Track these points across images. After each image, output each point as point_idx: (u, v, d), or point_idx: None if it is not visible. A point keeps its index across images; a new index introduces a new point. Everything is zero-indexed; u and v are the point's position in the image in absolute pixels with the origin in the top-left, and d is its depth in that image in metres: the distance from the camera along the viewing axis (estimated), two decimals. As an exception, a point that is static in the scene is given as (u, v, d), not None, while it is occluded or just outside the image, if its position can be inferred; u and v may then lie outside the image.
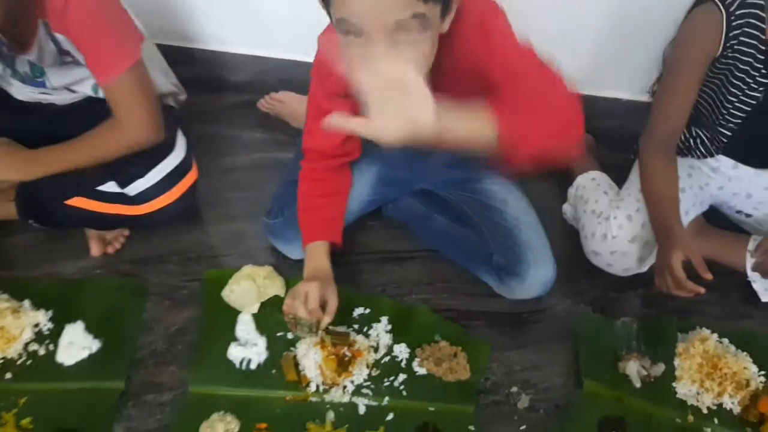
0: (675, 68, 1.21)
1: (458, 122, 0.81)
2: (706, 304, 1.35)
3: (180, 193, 1.33)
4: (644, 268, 1.33)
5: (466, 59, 1.02)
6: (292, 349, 1.23)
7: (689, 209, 1.35)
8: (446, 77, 1.02)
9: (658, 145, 1.25)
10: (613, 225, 1.30)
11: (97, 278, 1.35)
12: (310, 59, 1.62)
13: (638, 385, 1.21)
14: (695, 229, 1.39)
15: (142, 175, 1.29)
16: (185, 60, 1.74)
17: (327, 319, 1.18)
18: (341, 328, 1.25)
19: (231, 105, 1.77)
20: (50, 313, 1.27)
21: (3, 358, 1.20)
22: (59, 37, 1.17)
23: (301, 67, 1.79)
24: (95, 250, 1.37)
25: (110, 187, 1.30)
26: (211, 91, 1.76)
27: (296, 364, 1.21)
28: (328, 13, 0.91)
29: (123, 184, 1.29)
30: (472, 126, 0.82)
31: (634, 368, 1.22)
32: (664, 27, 1.30)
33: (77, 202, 1.30)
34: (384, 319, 1.28)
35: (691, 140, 1.34)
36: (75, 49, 1.19)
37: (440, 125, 0.76)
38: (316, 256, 1.26)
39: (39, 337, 1.23)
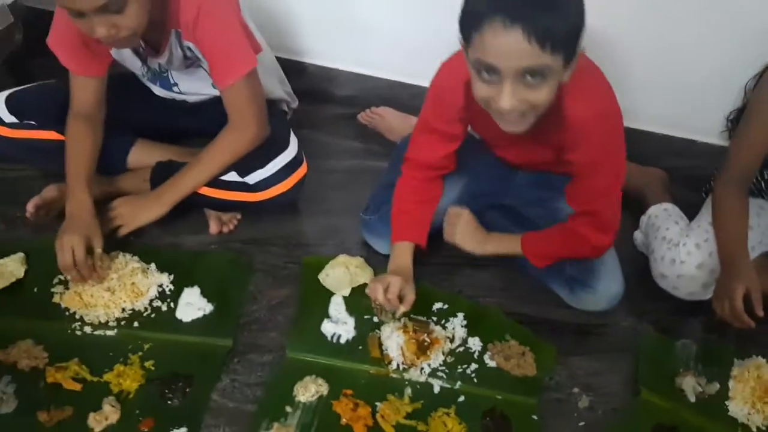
0: (753, 112, 1.32)
1: (497, 249, 1.46)
2: (765, 336, 1.43)
3: (292, 184, 1.51)
4: (708, 295, 1.42)
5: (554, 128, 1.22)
6: (376, 331, 1.38)
7: (755, 246, 1.44)
8: (543, 124, 1.18)
9: (732, 183, 1.35)
10: (682, 251, 1.41)
11: (212, 252, 1.54)
12: (409, 81, 1.82)
13: (693, 399, 1.30)
14: (759, 266, 1.47)
15: (261, 167, 1.48)
16: (298, 73, 1.95)
17: (403, 308, 1.33)
18: (422, 318, 1.40)
19: (334, 116, 1.96)
20: (172, 276, 1.46)
21: (132, 310, 1.39)
22: (188, 44, 1.38)
23: (399, 88, 1.97)
24: (213, 228, 1.57)
25: (232, 176, 1.50)
26: (318, 102, 1.96)
27: (380, 344, 1.36)
28: (466, 50, 1.08)
29: (243, 174, 1.49)
30: (506, 250, 1.45)
31: (690, 384, 1.31)
32: (746, 77, 1.41)
33: (204, 189, 1.50)
34: (460, 315, 1.42)
35: (763, 182, 1.44)
36: (200, 55, 1.40)
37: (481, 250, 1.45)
38: (402, 254, 1.41)
39: (162, 296, 1.43)
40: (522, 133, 1.15)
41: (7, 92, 1.52)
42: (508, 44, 0.98)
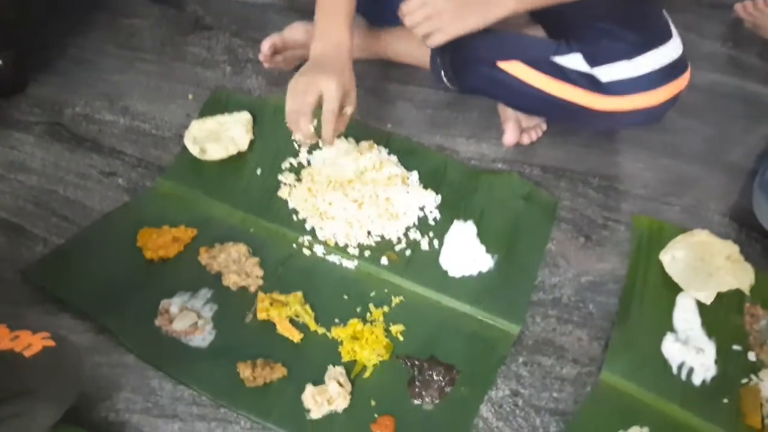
0: None
1: None
2: None
3: (666, 98, 0.95)
4: None
5: None
6: (754, 377, 0.85)
7: None
8: None
9: None
10: None
11: (499, 174, 1.04)
12: None
13: None
14: None
15: (626, 57, 0.92)
16: None
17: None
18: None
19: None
20: (439, 197, 0.99)
21: (381, 236, 0.95)
22: None
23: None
24: (510, 137, 1.06)
25: (573, 61, 0.95)
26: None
27: (761, 405, 0.83)
28: None
29: (594, 62, 0.93)
30: None
31: None
32: None
33: (516, 68, 0.97)
34: None
35: None
36: None
37: None
38: None
39: (422, 226, 0.97)
40: None
41: None
42: None
